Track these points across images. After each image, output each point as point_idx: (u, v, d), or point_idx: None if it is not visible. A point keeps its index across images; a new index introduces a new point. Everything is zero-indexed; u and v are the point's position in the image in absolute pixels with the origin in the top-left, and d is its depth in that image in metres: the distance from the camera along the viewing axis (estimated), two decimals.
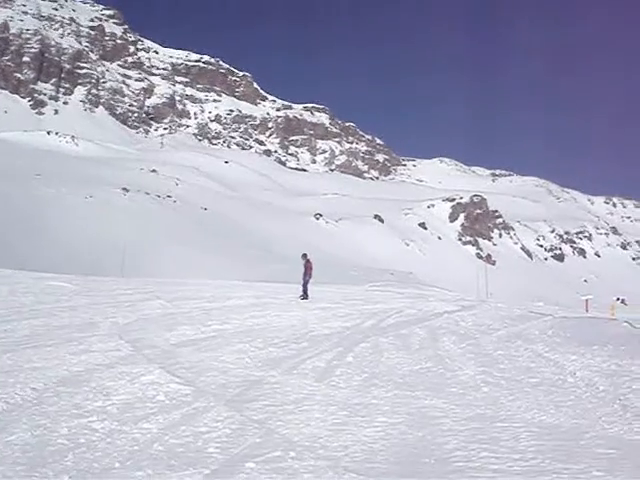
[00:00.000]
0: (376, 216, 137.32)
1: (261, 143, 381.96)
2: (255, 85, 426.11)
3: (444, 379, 7.29)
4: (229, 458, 4.07)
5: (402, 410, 5.74)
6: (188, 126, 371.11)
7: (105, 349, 7.73)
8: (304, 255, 26.91)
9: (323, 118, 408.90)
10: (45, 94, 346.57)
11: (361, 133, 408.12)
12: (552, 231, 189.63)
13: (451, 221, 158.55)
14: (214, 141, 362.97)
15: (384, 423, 5.33)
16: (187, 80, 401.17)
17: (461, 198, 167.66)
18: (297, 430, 4.91)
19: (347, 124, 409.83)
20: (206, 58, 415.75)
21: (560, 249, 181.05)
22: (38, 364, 6.73)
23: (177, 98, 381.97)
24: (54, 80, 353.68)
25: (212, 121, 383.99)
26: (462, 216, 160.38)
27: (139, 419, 4.68)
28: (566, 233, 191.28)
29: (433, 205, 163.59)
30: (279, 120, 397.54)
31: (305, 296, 24.39)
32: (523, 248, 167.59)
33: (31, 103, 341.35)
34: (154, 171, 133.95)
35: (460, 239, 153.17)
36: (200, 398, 5.33)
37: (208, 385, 5.82)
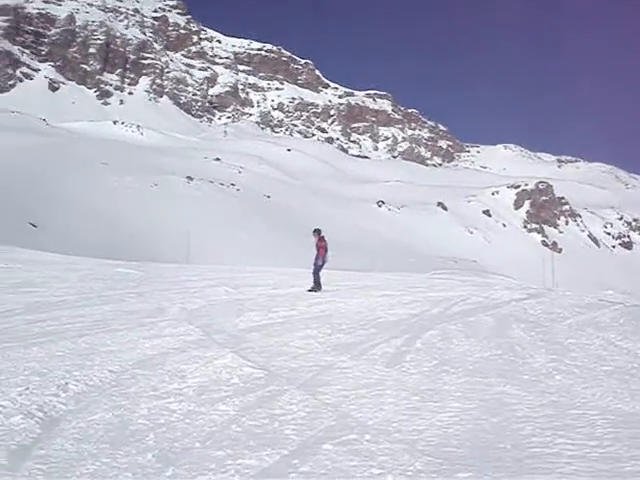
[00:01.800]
0: (439, 203, 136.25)
1: (323, 131, 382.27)
2: (317, 72, 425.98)
3: (516, 366, 7.21)
4: (306, 440, 4.12)
5: (475, 396, 5.70)
6: (251, 114, 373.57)
7: (176, 334, 7.87)
8: (317, 231, 20.32)
9: (385, 105, 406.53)
10: (111, 85, 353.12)
11: (424, 120, 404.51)
12: (620, 218, 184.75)
13: (516, 208, 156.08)
14: (276, 129, 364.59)
15: (457, 409, 5.30)
16: (250, 69, 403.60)
17: (526, 185, 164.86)
18: (371, 414, 4.93)
19: (410, 110, 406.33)
20: (268, 46, 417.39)
21: (628, 237, 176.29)
22: (113, 347, 6.89)
23: (240, 87, 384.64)
24: (119, 71, 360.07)
25: (274, 109, 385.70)
26: (527, 203, 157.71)
27: (215, 401, 4.76)
28: (635, 220, 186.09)
29: (497, 192, 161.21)
30: (341, 107, 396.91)
31: (317, 287, 18.68)
32: (590, 236, 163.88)
33: (97, 94, 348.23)
34: (218, 159, 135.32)
35: (525, 227, 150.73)
36: (273, 381, 5.39)
37: (280, 369, 5.89)
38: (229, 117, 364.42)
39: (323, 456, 3.89)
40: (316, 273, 18.98)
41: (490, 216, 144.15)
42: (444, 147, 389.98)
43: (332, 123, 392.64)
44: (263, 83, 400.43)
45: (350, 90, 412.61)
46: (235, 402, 4.75)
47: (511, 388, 6.03)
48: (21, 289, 13.11)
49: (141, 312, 10.74)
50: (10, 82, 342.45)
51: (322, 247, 19.76)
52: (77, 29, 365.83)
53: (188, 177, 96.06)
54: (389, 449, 4.17)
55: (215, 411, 4.53)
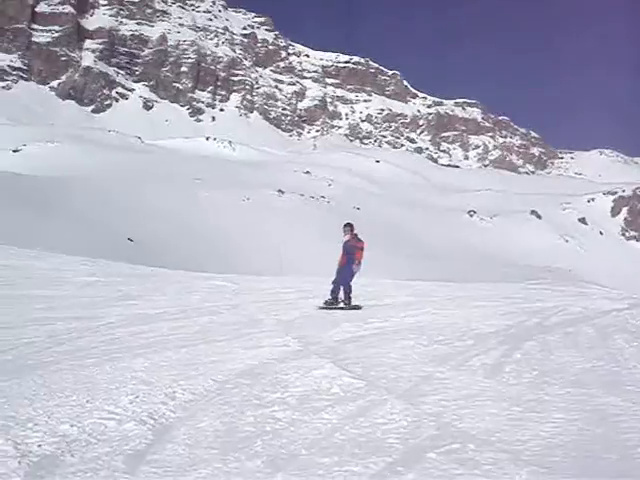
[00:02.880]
0: (533, 212, 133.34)
1: (412, 141, 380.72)
2: (405, 83, 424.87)
3: (619, 377, 7.02)
4: (409, 448, 4.15)
5: (578, 407, 5.60)
6: (339, 127, 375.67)
7: (274, 344, 8.01)
8: (349, 226, 15.77)
9: (475, 113, 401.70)
10: (203, 102, 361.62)
11: (515, 127, 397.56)
12: None
13: (613, 215, 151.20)
14: (365, 141, 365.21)
15: (561, 419, 5.22)
16: (337, 82, 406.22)
17: (623, 191, 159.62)
18: (472, 424, 4.91)
19: (500, 118, 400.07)
20: (355, 59, 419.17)
21: None
22: (214, 358, 7.07)
23: (328, 100, 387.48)
24: (211, 88, 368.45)
25: (363, 121, 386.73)
26: (625, 210, 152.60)
27: (318, 410, 4.85)
28: None
29: (593, 199, 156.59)
30: (430, 117, 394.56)
31: (347, 301, 14.90)
32: None
33: (190, 111, 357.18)
34: (307, 172, 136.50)
35: (623, 234, 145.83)
36: (373, 391, 5.44)
37: (379, 379, 5.93)
38: (318, 130, 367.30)
39: (428, 464, 3.92)
40: (344, 283, 14.95)
41: (586, 224, 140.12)
42: (536, 154, 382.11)
43: (421, 133, 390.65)
44: (351, 95, 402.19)
45: (439, 99, 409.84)
46: (337, 411, 4.83)
47: (615, 399, 5.89)
48: (122, 302, 13.55)
49: (238, 324, 10.95)
50: (107, 102, 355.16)
51: (360, 249, 15.18)
52: (169, 49, 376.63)
53: (279, 190, 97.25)
54: (493, 458, 4.16)
55: (318, 419, 4.61)
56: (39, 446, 3.96)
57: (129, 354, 7.40)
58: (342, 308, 14.40)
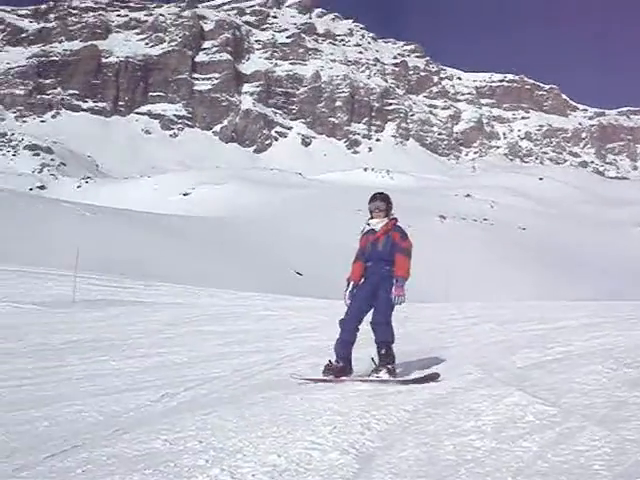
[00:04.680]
0: None
1: (575, 155, 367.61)
2: (563, 96, 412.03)
3: None
4: (616, 475, 4.08)
5: None
6: (498, 147, 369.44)
7: (457, 373, 8.03)
8: (381, 200, 8.09)
9: None
10: (358, 134, 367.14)
11: None
12: None
13: None
14: (526, 159, 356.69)
15: None
16: (493, 101, 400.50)
17: None
18: None
19: None
20: (510, 77, 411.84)
21: None
22: (401, 388, 7.20)
23: (484, 121, 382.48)
24: (365, 119, 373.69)
25: (522, 139, 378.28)
26: None
27: (515, 438, 4.85)
28: None
29: None
30: (593, 129, 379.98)
31: (390, 364, 7.96)
32: None
33: (346, 144, 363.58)
34: (468, 196, 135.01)
35: None
36: (569, 418, 5.36)
37: (573, 406, 5.83)
38: (476, 152, 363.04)
39: None
40: (388, 322, 8.11)
41: None
42: None
43: (584, 146, 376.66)
44: (508, 114, 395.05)
45: (600, 110, 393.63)
46: (535, 439, 4.81)
47: None
48: (297, 334, 13.91)
49: (413, 353, 11.01)
50: (267, 142, 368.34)
51: (406, 247, 7.93)
52: (323, 85, 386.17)
53: (441, 216, 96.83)
54: None
55: (518, 447, 4.62)
56: (252, 475, 4.24)
57: (316, 386, 7.67)
58: (383, 380, 7.66)
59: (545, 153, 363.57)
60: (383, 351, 8.02)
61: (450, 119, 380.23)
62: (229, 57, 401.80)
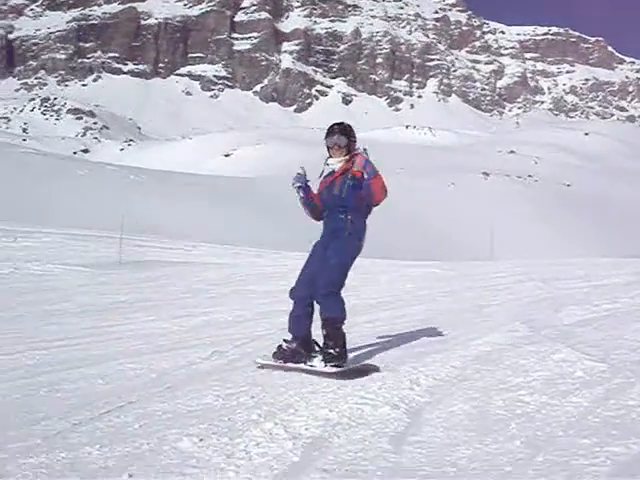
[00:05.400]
0: None
1: (622, 109, 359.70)
2: (610, 49, 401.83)
3: None
4: None
5: None
6: (542, 102, 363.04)
7: (502, 330, 8.02)
8: (340, 132, 6.32)
9: None
10: (400, 91, 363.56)
11: None
12: None
13: None
14: (571, 114, 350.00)
15: None
16: (537, 55, 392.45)
17: None
18: None
19: None
20: (554, 29, 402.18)
21: None
22: (445, 345, 7.23)
23: (528, 75, 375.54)
24: (407, 76, 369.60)
25: (567, 93, 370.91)
26: None
27: (565, 393, 4.87)
28: None
29: None
30: None
31: (337, 347, 6.05)
32: None
33: (388, 101, 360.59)
34: (512, 152, 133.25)
35: None
36: (618, 374, 5.35)
37: (621, 362, 5.81)
38: (520, 107, 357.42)
39: None
40: (334, 292, 6.18)
41: None
42: None
43: (632, 100, 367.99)
44: (552, 68, 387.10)
45: None
46: (585, 394, 4.82)
47: None
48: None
49: (459, 311, 11.02)
50: (307, 101, 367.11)
51: (377, 187, 6.11)
52: (363, 42, 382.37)
53: (484, 173, 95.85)
54: None
55: (568, 403, 4.63)
56: (306, 429, 4.32)
57: (363, 343, 7.74)
58: (316, 371, 6.04)
59: (591, 108, 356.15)
60: (324, 331, 6.17)
61: (493, 74, 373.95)
62: (268, 16, 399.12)
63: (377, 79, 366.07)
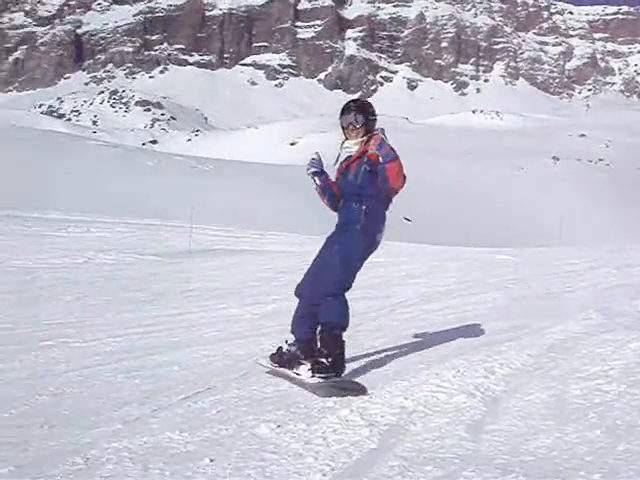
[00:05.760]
0: None
1: None
2: None
3: None
4: None
5: None
6: (613, 83, 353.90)
7: (575, 318, 7.90)
8: (357, 109, 5.59)
9: None
10: (466, 75, 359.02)
11: None
12: None
13: None
14: None
15: None
16: (607, 35, 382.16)
17: None
18: None
19: None
20: (625, 8, 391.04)
21: None
22: (518, 332, 7.17)
23: (598, 56, 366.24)
24: (473, 60, 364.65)
25: (639, 74, 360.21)
26: None
27: None
28: None
29: None
30: None
31: (328, 334, 5.35)
32: None
33: (454, 86, 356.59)
34: (583, 135, 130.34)
35: None
36: None
37: None
38: (590, 89, 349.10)
39: None
40: (337, 294, 5.38)
41: None
42: None
43: None
44: (623, 48, 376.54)
45: None
46: None
47: None
48: (408, 281, 13.93)
49: (530, 298, 10.91)
50: (372, 87, 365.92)
51: (392, 173, 5.25)
52: (428, 26, 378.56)
53: (554, 157, 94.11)
54: None
55: None
56: (382, 417, 4.35)
57: (434, 331, 7.74)
58: (301, 381, 5.38)
59: None
60: (320, 336, 5.42)
61: (562, 56, 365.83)
62: (331, 3, 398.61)
63: (442, 64, 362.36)
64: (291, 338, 5.70)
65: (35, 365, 6.42)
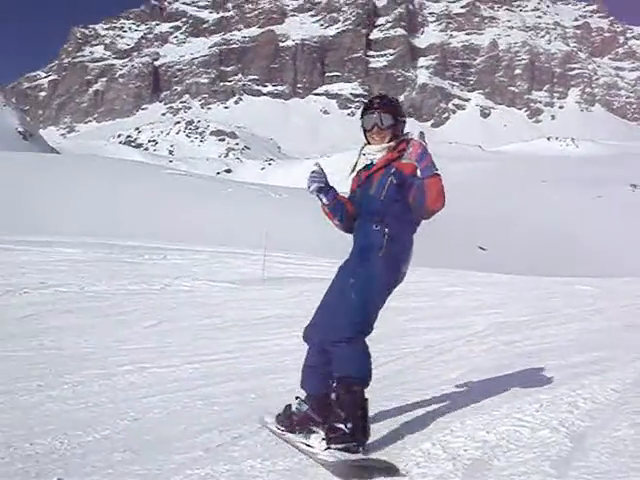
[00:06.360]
0: None
1: None
2: None
3: None
4: None
5: None
6: None
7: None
8: (388, 105, 4.55)
9: None
10: (540, 102, 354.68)
11: None
12: None
13: None
14: None
15: None
16: None
17: None
18: None
19: None
20: None
21: None
22: (600, 367, 6.96)
23: None
24: (547, 86, 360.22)
25: None
26: None
27: None
28: None
29: None
30: None
31: (344, 393, 4.19)
32: None
33: (527, 113, 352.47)
34: None
35: None
36: None
37: None
38: None
39: None
40: (353, 339, 4.29)
41: None
42: None
43: None
44: None
45: None
46: None
47: None
48: (483, 310, 13.74)
49: (612, 330, 10.62)
50: (444, 115, 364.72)
51: (434, 191, 4.14)
52: (501, 53, 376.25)
53: (632, 185, 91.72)
54: None
55: None
56: (465, 450, 4.27)
57: (513, 364, 7.57)
58: (311, 452, 4.27)
59: None
60: (334, 395, 4.30)
61: (638, 81, 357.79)
62: (403, 32, 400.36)
63: (516, 90, 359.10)
64: (302, 393, 4.71)
65: (115, 389, 6.52)
